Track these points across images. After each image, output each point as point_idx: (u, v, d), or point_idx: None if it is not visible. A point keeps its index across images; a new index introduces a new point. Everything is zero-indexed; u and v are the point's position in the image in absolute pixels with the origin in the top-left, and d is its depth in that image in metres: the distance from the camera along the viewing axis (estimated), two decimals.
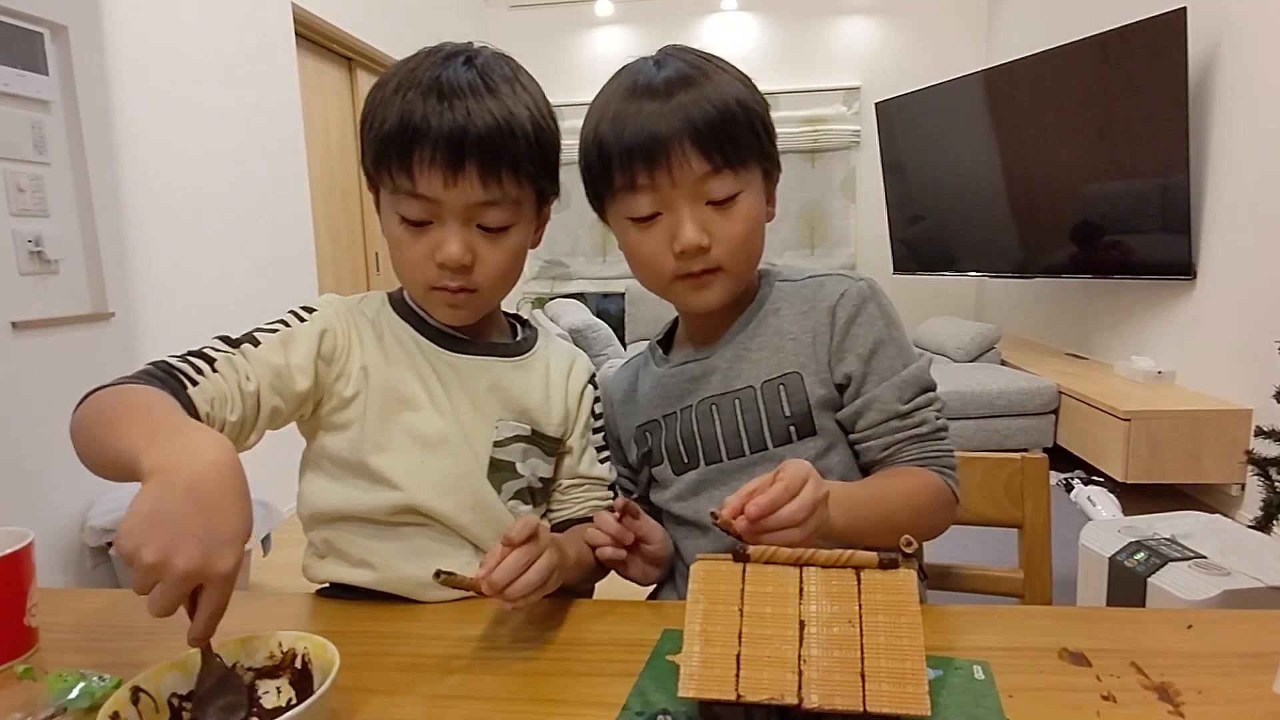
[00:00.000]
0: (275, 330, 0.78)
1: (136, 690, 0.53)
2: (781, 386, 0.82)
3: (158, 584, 0.48)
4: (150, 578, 0.48)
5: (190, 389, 0.69)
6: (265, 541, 2.34)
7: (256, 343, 0.76)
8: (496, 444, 0.83)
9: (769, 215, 0.84)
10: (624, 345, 4.40)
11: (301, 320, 0.80)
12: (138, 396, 0.64)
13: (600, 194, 0.83)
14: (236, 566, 0.51)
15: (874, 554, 0.54)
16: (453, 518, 0.81)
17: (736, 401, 0.84)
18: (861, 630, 0.52)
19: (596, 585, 0.92)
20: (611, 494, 0.92)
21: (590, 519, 0.88)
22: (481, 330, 0.87)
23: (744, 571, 0.55)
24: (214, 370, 0.71)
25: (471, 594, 0.65)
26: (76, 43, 2.08)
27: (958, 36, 5.12)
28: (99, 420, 0.61)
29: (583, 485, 0.91)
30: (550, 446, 0.87)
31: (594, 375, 0.94)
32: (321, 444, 0.81)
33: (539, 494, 0.88)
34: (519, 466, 0.85)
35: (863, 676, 0.50)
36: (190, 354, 0.72)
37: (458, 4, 5.03)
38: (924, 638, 0.51)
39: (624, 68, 0.83)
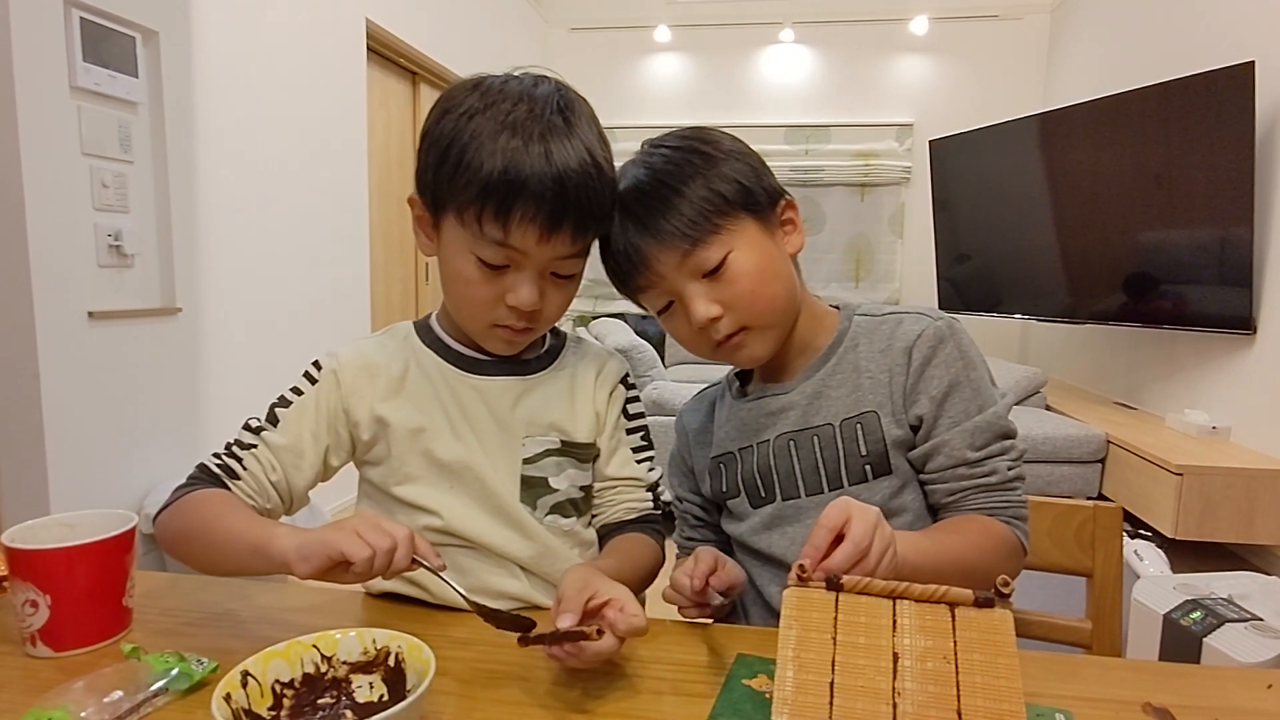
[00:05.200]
0: (290, 403, 0.82)
1: (245, 674, 0.55)
2: (859, 425, 0.82)
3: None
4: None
5: (230, 485, 0.78)
6: None
7: (276, 422, 0.81)
8: (526, 461, 0.84)
9: (793, 245, 0.84)
10: (664, 367, 4.41)
11: (313, 381, 0.83)
12: (213, 506, 0.75)
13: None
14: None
15: (969, 591, 0.54)
16: (487, 540, 0.82)
17: (815, 438, 0.83)
18: (957, 667, 0.52)
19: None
20: (650, 496, 0.91)
21: (627, 523, 0.89)
22: None
23: (837, 601, 0.56)
24: (245, 468, 0.79)
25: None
26: (166, 48, 2.16)
27: (1015, 79, 5.10)
28: (204, 533, 0.73)
29: (615, 487, 0.90)
30: (584, 454, 0.87)
31: (626, 375, 0.93)
32: (364, 474, 0.87)
33: (581, 504, 0.88)
34: (553, 480, 0.85)
35: (959, 715, 0.50)
36: (225, 452, 0.80)
37: (520, 25, 5.14)
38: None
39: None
